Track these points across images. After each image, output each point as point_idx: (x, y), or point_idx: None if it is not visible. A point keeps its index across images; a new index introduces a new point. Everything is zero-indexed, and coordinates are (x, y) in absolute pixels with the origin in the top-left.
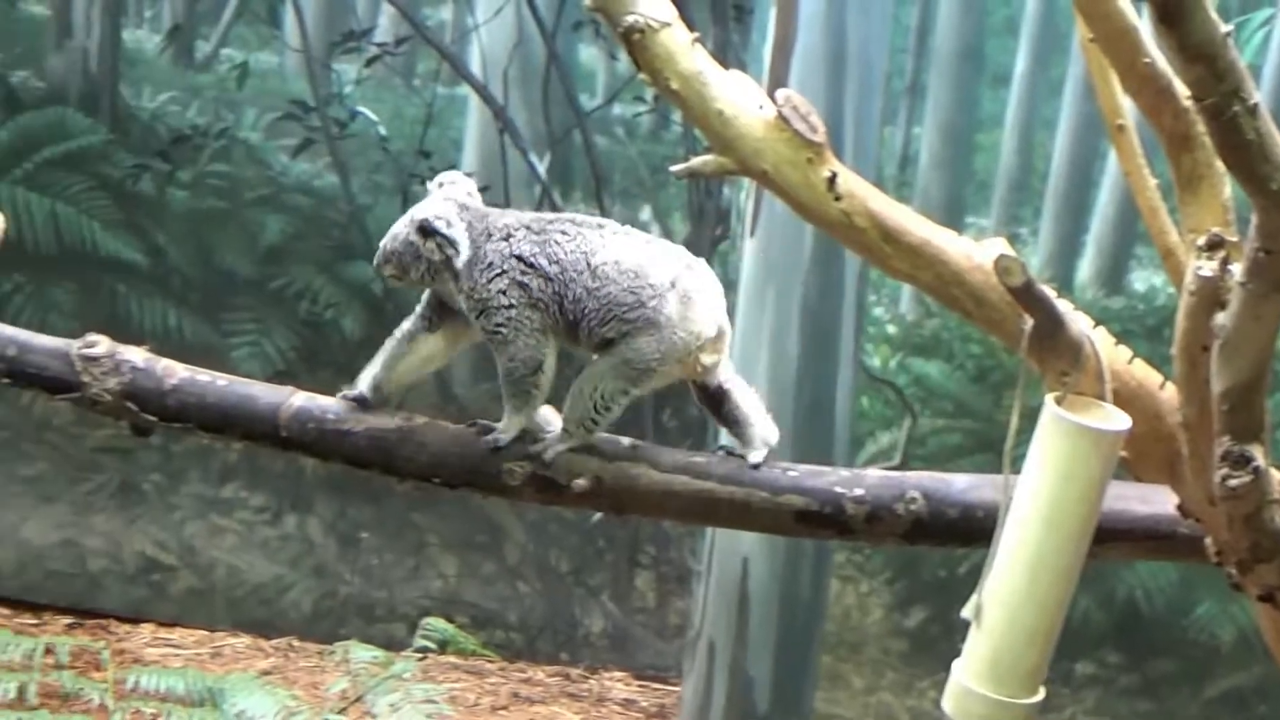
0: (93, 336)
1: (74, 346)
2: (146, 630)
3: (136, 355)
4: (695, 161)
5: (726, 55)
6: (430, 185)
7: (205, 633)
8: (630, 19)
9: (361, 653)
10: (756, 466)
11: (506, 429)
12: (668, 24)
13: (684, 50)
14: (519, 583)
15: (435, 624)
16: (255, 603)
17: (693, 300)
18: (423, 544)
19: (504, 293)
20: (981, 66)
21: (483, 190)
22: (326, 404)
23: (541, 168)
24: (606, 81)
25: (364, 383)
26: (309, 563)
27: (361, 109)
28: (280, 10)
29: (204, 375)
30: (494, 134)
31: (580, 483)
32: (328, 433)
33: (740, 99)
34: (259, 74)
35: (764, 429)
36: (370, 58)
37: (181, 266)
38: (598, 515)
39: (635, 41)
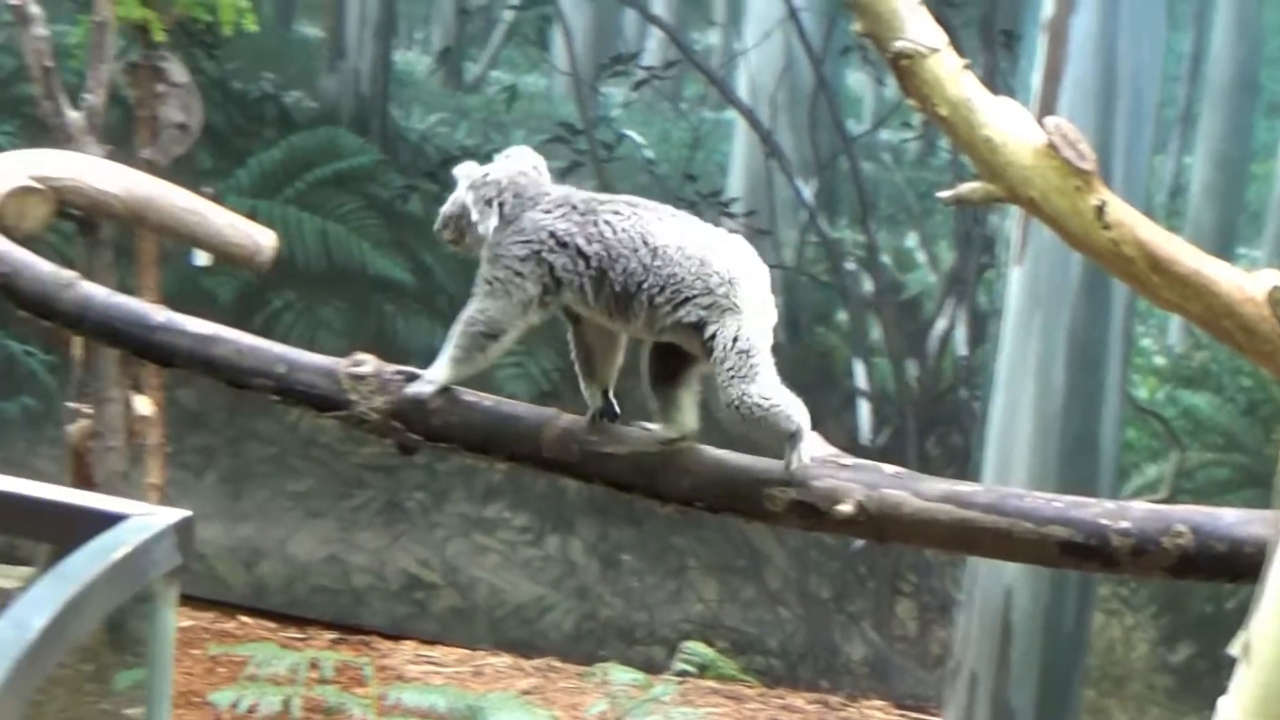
0: (360, 355)
1: (342, 365)
2: (408, 647)
3: (404, 374)
4: (963, 188)
5: (995, 82)
6: (497, 156)
7: (466, 651)
8: (899, 44)
9: (621, 674)
10: (669, 443)
11: (433, 378)
12: (937, 50)
13: (953, 76)
14: (779, 608)
15: (695, 648)
16: (516, 622)
17: (762, 285)
18: (683, 567)
19: (521, 259)
20: (1256, 95)
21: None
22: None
23: (808, 193)
24: (874, 107)
25: (593, 401)
26: (570, 584)
27: (628, 132)
28: (549, 33)
29: (469, 395)
30: (760, 158)
31: (842, 509)
32: (590, 455)
33: (1009, 126)
34: (527, 96)
35: (691, 418)
36: (638, 81)
37: (448, 286)
38: (859, 542)
39: (904, 67)
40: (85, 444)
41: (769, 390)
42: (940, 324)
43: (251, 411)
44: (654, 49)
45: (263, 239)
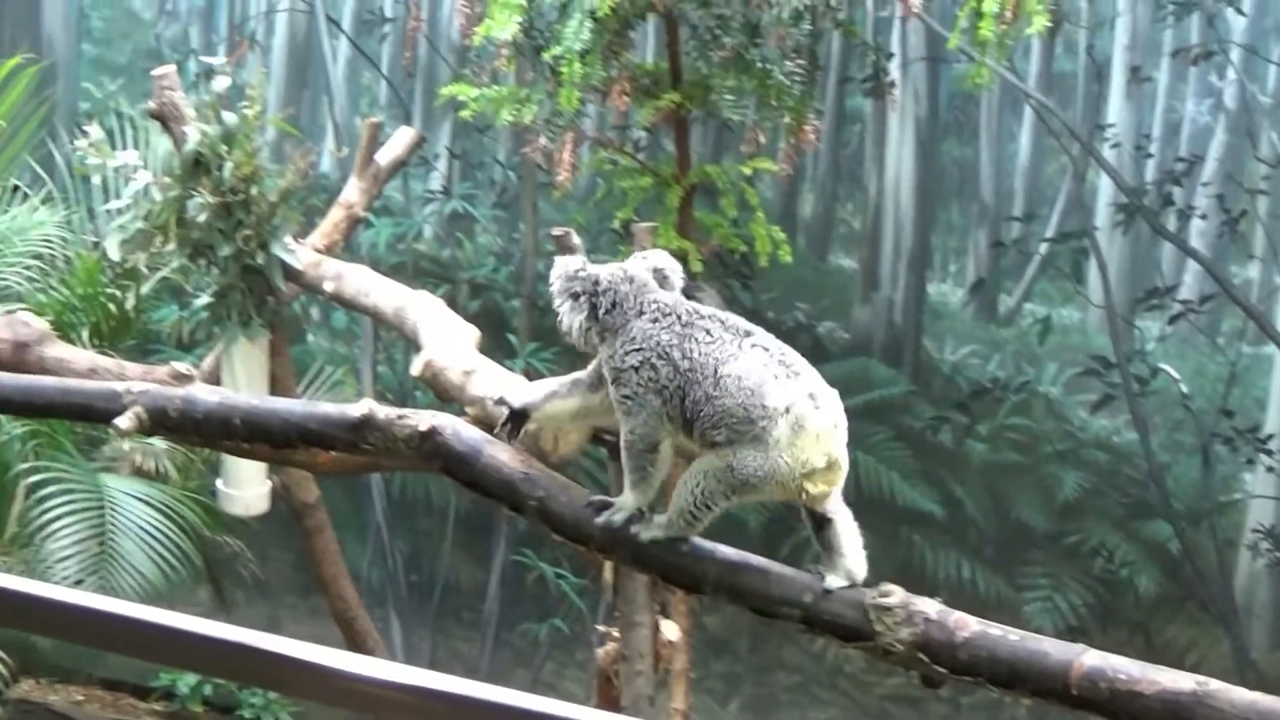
0: (887, 586)
1: (869, 595)
2: None
3: (930, 607)
4: None
5: None
6: (635, 255)
7: None
8: None
9: None
10: (829, 592)
11: (622, 506)
12: None
13: None
14: None
15: None
16: None
17: (805, 430)
18: None
19: (636, 370)
20: None
21: None
22: (1119, 664)
23: None
24: None
25: (518, 397)
26: None
27: (1163, 366)
28: (1084, 266)
29: (995, 629)
30: None
31: None
32: (1119, 693)
33: None
34: (1060, 329)
35: (854, 563)
36: (1174, 315)
37: (977, 519)
38: None
39: None
40: (613, 667)
41: (717, 503)
42: None
43: (778, 639)
44: (1191, 282)
45: None
